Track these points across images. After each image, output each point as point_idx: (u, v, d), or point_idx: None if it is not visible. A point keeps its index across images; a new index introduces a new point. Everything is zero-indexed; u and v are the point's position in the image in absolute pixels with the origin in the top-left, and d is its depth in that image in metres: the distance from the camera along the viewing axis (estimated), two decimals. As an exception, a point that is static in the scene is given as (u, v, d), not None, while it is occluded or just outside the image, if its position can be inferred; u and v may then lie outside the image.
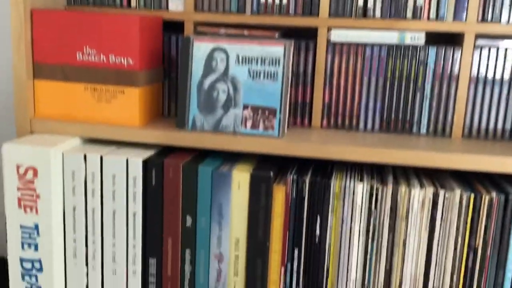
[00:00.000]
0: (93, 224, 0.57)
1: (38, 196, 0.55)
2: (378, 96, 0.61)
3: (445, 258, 0.52)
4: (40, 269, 0.56)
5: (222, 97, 0.57)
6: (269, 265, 0.56)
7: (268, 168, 0.56)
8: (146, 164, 0.55)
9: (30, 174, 0.54)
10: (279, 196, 0.55)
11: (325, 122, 0.63)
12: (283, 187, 0.55)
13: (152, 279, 0.58)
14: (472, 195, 0.51)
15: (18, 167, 0.54)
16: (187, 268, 0.57)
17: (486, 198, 0.51)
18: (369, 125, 0.62)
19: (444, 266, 0.53)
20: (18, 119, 0.59)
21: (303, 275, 0.56)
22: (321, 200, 0.54)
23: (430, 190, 0.52)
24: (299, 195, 0.54)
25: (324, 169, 0.58)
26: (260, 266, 0.56)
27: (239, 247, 0.56)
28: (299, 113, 0.63)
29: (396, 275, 0.54)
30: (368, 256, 0.54)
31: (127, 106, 0.58)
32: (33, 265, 0.56)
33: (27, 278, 0.57)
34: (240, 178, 0.55)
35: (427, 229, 0.52)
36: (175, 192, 0.56)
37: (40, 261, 0.56)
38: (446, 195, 0.51)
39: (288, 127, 0.63)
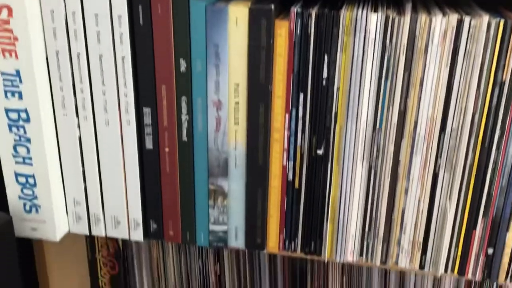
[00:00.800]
0: (79, 71, 0.52)
1: (16, 39, 0.50)
2: None
3: (467, 96, 0.47)
4: (27, 120, 0.53)
5: None
6: (272, 112, 0.52)
7: (268, 1, 0.49)
8: (131, 0, 0.49)
9: (4, 14, 0.49)
10: (282, 33, 0.49)
11: (335, -45, 0.55)
12: (286, 23, 0.48)
13: (147, 130, 0.54)
14: (502, 21, 0.44)
15: (-10, 6, 0.49)
16: (184, 117, 0.53)
17: (518, 23, 0.44)
18: (386, -44, 0.54)
19: (465, 105, 0.47)
20: (-13, -44, 0.53)
21: (309, 121, 0.51)
22: (329, 36, 0.48)
23: (453, 18, 0.45)
24: (304, 31, 0.48)
25: (333, 3, 0.51)
26: (263, 113, 0.51)
27: (238, 92, 0.51)
28: None
29: (411, 117, 0.49)
30: (381, 98, 0.49)
31: None
32: (19, 115, 0.53)
33: (14, 129, 0.53)
34: (238, 14, 0.48)
35: (448, 64, 0.47)
36: (166, 32, 0.50)
37: (26, 111, 0.52)
38: (472, 23, 0.45)
39: (293, -39, 0.55)
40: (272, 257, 0.70)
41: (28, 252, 0.68)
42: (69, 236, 0.72)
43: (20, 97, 0.52)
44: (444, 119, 0.48)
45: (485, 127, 0.48)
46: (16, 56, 0.50)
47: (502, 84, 0.46)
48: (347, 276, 0.68)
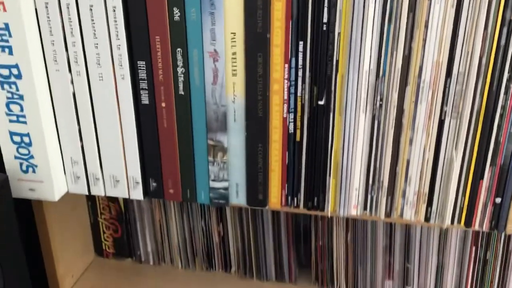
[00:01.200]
0: (69, 23, 0.50)
1: (2, -10, 0.48)
2: None
3: (474, 38, 0.45)
4: (19, 76, 0.51)
5: None
6: (270, 62, 0.50)
7: None
8: None
9: (-12, -37, 0.47)
10: (279, -24, 0.47)
11: None
12: (283, -35, 0.46)
13: (143, 85, 0.52)
14: (512, -45, 0.42)
15: (-27, -45, 0.47)
16: (180, 70, 0.51)
17: (529, -43, 0.42)
18: None
19: (472, 47, 0.45)
20: None
21: (310, 71, 0.49)
22: (329, -22, 0.46)
23: (460, -47, 0.43)
24: (302, -27, 0.46)
25: None
26: (261, 63, 0.50)
27: (236, 42, 0.49)
28: None
29: (415, 62, 0.47)
30: (384, 42, 0.47)
31: None
32: (10, 72, 0.51)
33: (6, 86, 0.52)
34: (232, -43, 0.46)
35: (454, 4, 0.44)
36: (158, -21, 0.48)
37: (17, 67, 0.51)
38: (480, -42, 0.43)
39: None
40: (275, 217, 0.69)
41: (29, 218, 0.67)
42: (70, 200, 0.71)
43: (11, 52, 0.50)
44: (450, 63, 0.46)
45: (492, 70, 0.46)
46: (4, 9, 0.48)
47: (510, 24, 0.44)
48: (352, 233, 0.67)
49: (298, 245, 0.73)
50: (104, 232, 0.76)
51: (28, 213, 0.66)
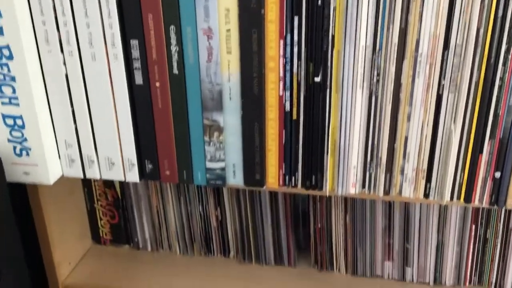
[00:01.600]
0: (61, 2, 0.49)
1: (-9, -31, 0.47)
2: None
3: (471, 9, 0.44)
4: (10, 57, 0.50)
5: None
6: (265, 39, 0.49)
7: None
8: None
9: None
10: (273, -51, 0.46)
11: None
12: None
13: (136, 65, 0.52)
14: None
15: None
16: (174, 48, 0.50)
17: None
18: None
19: (470, 19, 0.45)
20: None
21: (305, 47, 0.49)
22: (323, -50, 0.45)
23: None
24: None
25: None
26: (256, 40, 0.49)
27: (229, 19, 0.49)
28: None
29: (412, 35, 0.46)
30: (380, 15, 0.46)
31: None
32: (1, 53, 0.50)
33: (-2, 67, 0.51)
34: None
35: (451, -26, 0.44)
36: (150, -45, 0.47)
37: (8, 47, 0.50)
38: None
39: None
40: (273, 200, 0.68)
41: (24, 204, 0.67)
42: (66, 186, 0.70)
43: (1, 33, 0.49)
44: (447, 35, 0.46)
45: (490, 42, 0.45)
46: (-7, -12, 0.48)
47: (508, -7, 0.43)
48: (350, 215, 0.67)
49: (297, 228, 0.73)
50: (101, 219, 0.75)
51: (23, 199, 0.66)
